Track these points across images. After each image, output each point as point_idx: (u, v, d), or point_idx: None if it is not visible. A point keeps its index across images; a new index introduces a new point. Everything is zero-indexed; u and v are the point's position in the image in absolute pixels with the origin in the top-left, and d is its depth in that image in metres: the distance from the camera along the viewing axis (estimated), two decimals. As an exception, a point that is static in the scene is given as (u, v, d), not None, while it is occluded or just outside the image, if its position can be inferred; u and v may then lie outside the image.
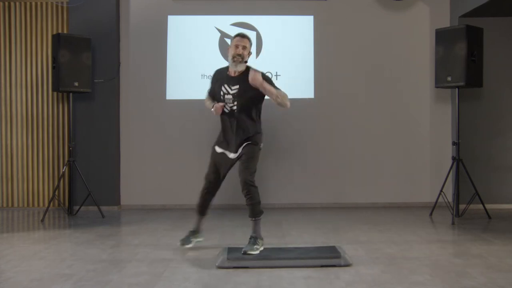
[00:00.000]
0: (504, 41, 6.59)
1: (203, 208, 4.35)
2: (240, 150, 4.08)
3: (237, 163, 4.12)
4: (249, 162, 4.01)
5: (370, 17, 6.85)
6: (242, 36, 4.14)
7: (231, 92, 4.08)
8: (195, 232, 4.35)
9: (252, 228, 4.01)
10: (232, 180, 6.69)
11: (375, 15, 6.85)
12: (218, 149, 4.18)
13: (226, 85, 4.11)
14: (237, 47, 4.06)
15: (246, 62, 4.11)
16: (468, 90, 6.20)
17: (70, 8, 6.58)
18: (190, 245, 4.27)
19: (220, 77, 4.18)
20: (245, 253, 3.82)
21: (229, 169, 4.19)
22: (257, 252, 3.86)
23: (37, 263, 3.85)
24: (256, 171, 4.06)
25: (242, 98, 4.05)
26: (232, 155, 4.11)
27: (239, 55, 4.05)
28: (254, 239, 3.94)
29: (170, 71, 6.79)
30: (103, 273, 3.55)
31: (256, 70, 3.95)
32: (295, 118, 6.69)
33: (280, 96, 3.97)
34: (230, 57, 4.09)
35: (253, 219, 4.01)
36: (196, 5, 6.85)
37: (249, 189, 3.95)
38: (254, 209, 3.98)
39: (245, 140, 4.07)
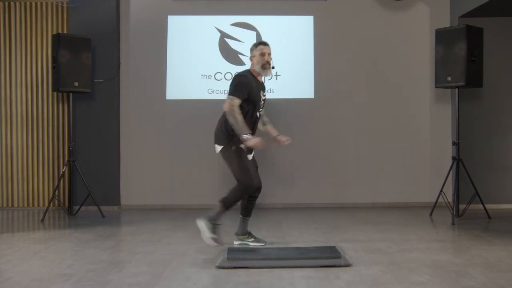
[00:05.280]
0: (504, 41, 6.59)
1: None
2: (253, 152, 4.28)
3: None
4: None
5: (370, 17, 6.85)
6: (266, 44, 4.30)
7: (262, 98, 4.25)
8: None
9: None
10: (232, 181, 6.72)
11: (375, 15, 6.85)
12: (245, 149, 4.14)
13: (261, 92, 4.24)
14: (264, 55, 4.21)
15: (273, 68, 4.30)
16: (468, 90, 6.20)
17: (70, 8, 6.58)
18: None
19: (255, 84, 4.17)
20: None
21: None
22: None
23: (37, 263, 3.85)
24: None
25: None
26: (250, 156, 4.25)
27: (268, 62, 4.22)
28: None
29: (170, 71, 6.79)
30: (103, 273, 3.55)
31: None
32: (295, 118, 6.69)
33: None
34: (259, 65, 4.20)
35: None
36: (196, 5, 6.85)
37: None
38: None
39: None
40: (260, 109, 4.25)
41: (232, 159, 4.08)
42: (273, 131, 4.47)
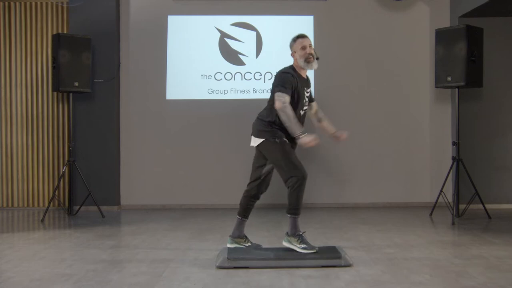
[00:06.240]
0: (504, 41, 6.59)
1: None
2: None
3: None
4: None
5: (370, 17, 6.85)
6: (304, 36, 4.05)
7: (306, 95, 4.04)
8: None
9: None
10: (232, 180, 6.73)
11: (375, 15, 6.85)
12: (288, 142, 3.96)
13: (305, 89, 4.02)
14: (305, 48, 3.97)
15: (318, 58, 4.04)
16: (468, 90, 6.20)
17: (70, 8, 6.58)
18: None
19: (299, 80, 3.96)
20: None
21: None
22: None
23: (37, 263, 3.85)
24: None
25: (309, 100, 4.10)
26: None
27: (311, 54, 3.98)
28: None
29: (170, 71, 6.79)
30: (103, 273, 3.55)
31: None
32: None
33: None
34: (302, 60, 3.96)
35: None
36: (196, 5, 6.85)
37: None
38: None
39: None
40: (305, 107, 4.04)
41: (276, 152, 3.88)
42: (329, 128, 4.25)
